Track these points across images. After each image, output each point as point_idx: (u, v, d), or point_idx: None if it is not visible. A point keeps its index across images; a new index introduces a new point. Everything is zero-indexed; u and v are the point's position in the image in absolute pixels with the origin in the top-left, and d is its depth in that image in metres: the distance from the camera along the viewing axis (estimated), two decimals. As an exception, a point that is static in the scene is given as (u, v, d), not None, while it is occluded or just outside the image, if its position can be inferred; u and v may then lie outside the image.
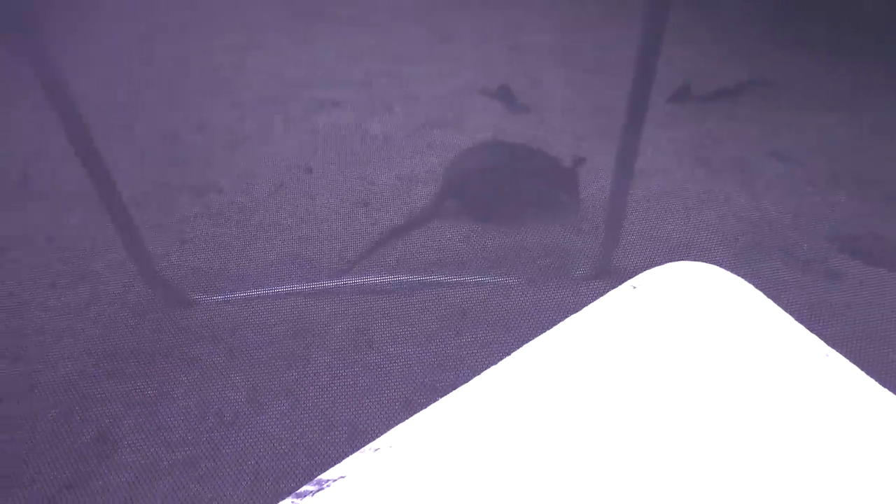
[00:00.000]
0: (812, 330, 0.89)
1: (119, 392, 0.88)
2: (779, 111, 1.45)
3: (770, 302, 0.52)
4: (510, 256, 1.07)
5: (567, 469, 0.42)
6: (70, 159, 1.30)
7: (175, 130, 1.33)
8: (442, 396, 0.89)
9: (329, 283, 1.01)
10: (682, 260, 0.57)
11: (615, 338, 0.50)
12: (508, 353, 0.98)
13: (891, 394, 0.46)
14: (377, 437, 0.80)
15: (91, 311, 0.99)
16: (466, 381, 0.83)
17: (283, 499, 0.40)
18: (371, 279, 1.01)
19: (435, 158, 1.25)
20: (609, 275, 1.03)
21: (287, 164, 1.25)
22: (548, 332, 0.51)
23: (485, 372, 0.49)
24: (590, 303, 0.53)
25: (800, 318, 1.05)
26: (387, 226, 1.11)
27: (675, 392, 0.45)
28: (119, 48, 1.52)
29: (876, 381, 0.47)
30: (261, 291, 1.00)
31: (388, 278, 1.01)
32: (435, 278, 1.01)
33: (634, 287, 0.53)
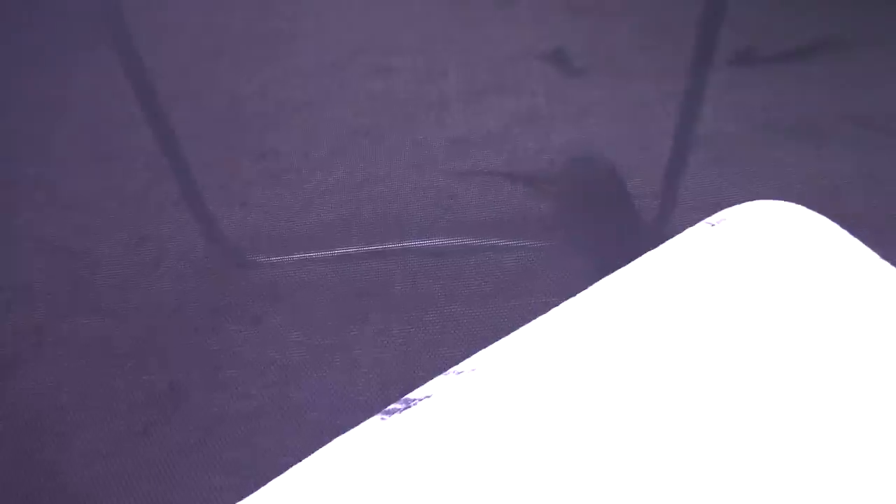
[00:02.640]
0: None
1: (187, 345, 0.93)
2: (854, 73, 1.37)
3: (858, 242, 0.49)
4: (569, 223, 1.06)
5: (650, 403, 0.42)
6: (140, 124, 1.35)
7: (238, 96, 1.36)
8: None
9: (385, 245, 1.03)
10: None
11: (693, 278, 0.48)
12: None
13: None
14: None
15: (159, 269, 1.04)
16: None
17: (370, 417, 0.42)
18: (428, 242, 1.02)
19: (491, 123, 1.24)
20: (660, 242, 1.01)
21: (344, 129, 1.27)
22: (623, 268, 0.50)
23: (564, 303, 0.49)
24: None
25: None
26: (441, 189, 1.11)
27: (757, 336, 0.44)
28: (183, 18, 1.55)
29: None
30: (319, 253, 1.03)
31: (446, 241, 1.02)
32: (492, 242, 1.02)
33: (712, 225, 0.51)
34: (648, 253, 0.50)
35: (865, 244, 1.00)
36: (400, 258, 1.01)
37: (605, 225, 1.04)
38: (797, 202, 1.06)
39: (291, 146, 1.23)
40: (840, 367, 0.39)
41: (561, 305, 0.48)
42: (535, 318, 0.90)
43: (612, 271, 0.95)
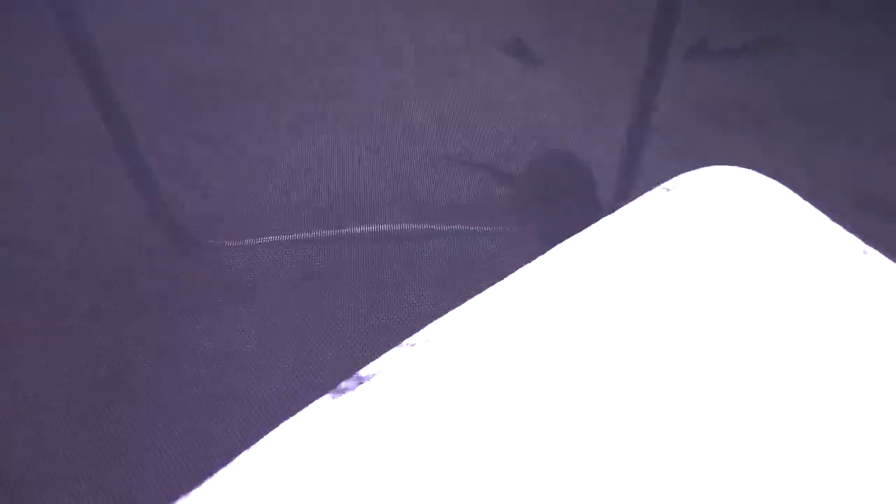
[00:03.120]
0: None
1: (132, 333, 0.90)
2: (799, 68, 1.42)
3: (810, 206, 0.50)
4: (526, 207, 1.06)
5: (599, 373, 0.42)
6: (84, 104, 1.30)
7: (187, 78, 1.32)
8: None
9: (341, 230, 1.01)
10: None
11: (648, 242, 0.48)
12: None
13: None
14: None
15: (103, 254, 1.00)
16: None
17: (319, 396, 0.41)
18: (383, 226, 1.01)
19: (447, 109, 1.24)
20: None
21: (299, 113, 1.24)
22: (579, 234, 0.49)
23: (516, 272, 0.48)
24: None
25: None
26: (398, 174, 1.10)
27: (711, 298, 0.44)
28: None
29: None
30: (273, 238, 1.00)
31: (401, 226, 1.01)
32: (449, 226, 1.01)
33: (668, 189, 0.51)
34: (605, 218, 0.49)
35: None
36: (355, 242, 1.00)
37: (562, 209, 1.04)
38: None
39: (244, 129, 1.21)
40: (795, 327, 0.40)
41: (516, 273, 0.48)
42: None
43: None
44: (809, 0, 1.64)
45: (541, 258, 0.48)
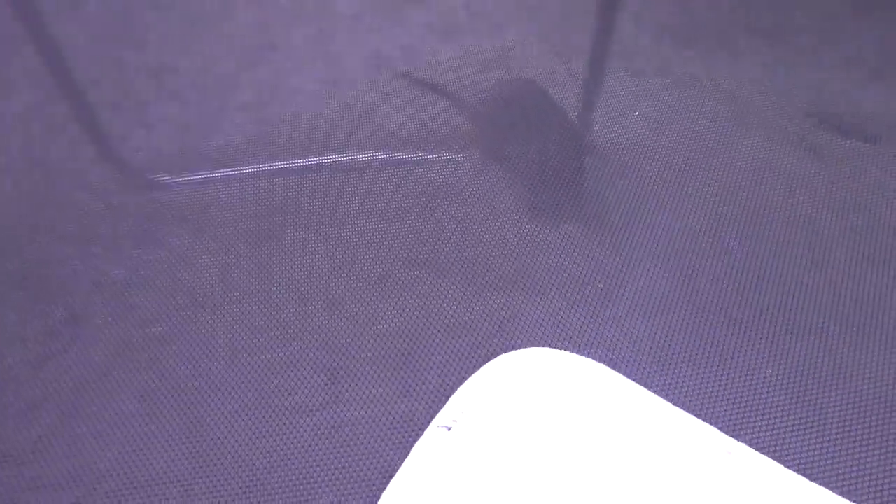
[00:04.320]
0: (796, 203, 0.89)
1: (86, 274, 0.86)
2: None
3: (619, 375, 0.53)
4: (485, 139, 1.04)
5: None
6: (19, 38, 1.22)
7: (128, 8, 1.24)
8: (418, 270, 0.89)
9: (298, 162, 0.98)
10: None
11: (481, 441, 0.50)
12: (484, 228, 0.98)
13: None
14: (355, 307, 0.80)
15: (52, 195, 0.95)
16: (443, 256, 0.82)
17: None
18: (341, 157, 0.98)
19: (404, 35, 1.19)
20: (581, 150, 1.01)
21: (249, 44, 1.19)
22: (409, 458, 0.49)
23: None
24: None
25: (784, 192, 1.05)
26: (357, 104, 1.07)
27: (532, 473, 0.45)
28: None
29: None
30: (228, 171, 0.97)
31: (360, 156, 0.98)
32: (407, 156, 0.99)
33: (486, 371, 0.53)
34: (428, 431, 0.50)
35: (760, 138, 1.04)
36: (315, 174, 0.97)
37: (526, 135, 1.02)
38: (711, 113, 1.09)
39: (191, 62, 1.14)
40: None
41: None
42: (456, 226, 0.89)
43: (536, 181, 0.95)
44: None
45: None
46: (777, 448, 0.69)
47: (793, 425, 0.71)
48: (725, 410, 0.72)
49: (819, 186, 0.96)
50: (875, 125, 1.06)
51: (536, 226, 0.90)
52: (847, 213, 0.93)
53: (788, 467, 0.60)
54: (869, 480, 0.67)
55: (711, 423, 0.60)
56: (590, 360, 0.54)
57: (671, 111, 1.08)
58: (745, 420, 0.71)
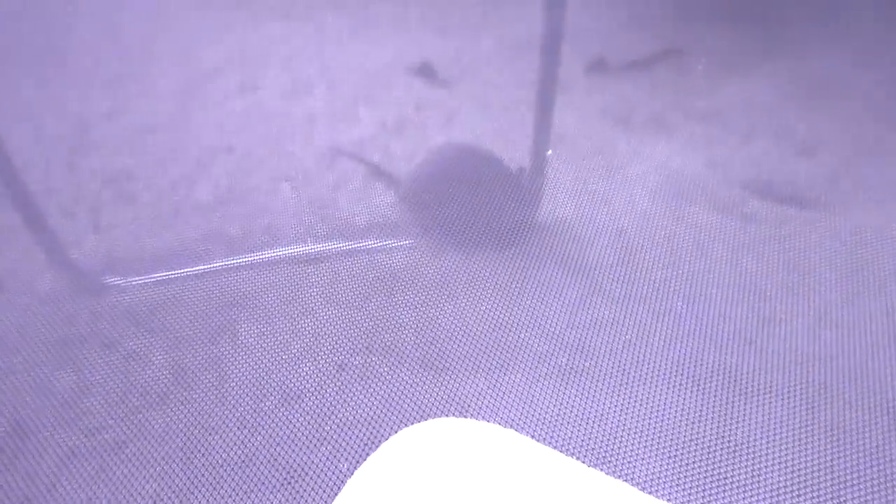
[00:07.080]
0: (740, 264, 0.92)
1: (33, 383, 0.83)
2: (692, 76, 1.49)
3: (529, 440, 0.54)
4: (439, 223, 1.06)
5: None
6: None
7: (84, 120, 1.27)
8: (378, 357, 0.87)
9: (254, 256, 0.98)
10: None
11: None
12: (441, 313, 0.98)
13: None
14: (313, 400, 0.77)
15: (2, 307, 0.93)
16: (403, 341, 0.81)
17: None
18: (298, 249, 0.98)
19: (357, 132, 1.23)
20: (533, 228, 1.03)
21: (205, 147, 1.21)
22: None
23: None
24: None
25: (726, 256, 1.09)
26: (312, 198, 1.08)
27: None
28: (21, 34, 1.44)
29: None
30: (182, 271, 0.96)
31: (317, 247, 0.99)
32: (364, 244, 0.99)
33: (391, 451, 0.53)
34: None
35: (718, 216, 1.09)
36: (271, 268, 0.97)
37: (477, 221, 1.05)
38: (654, 186, 1.14)
39: (147, 167, 1.16)
40: None
41: None
42: (414, 313, 0.89)
43: (493, 261, 0.96)
44: (695, 14, 1.75)
45: None
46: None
47: (726, 482, 0.71)
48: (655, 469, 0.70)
49: (758, 249, 1.00)
50: (807, 192, 1.11)
51: (493, 304, 0.90)
52: (789, 273, 0.96)
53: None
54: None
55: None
56: (497, 427, 0.53)
57: (616, 187, 1.12)
58: (662, 478, 0.70)
